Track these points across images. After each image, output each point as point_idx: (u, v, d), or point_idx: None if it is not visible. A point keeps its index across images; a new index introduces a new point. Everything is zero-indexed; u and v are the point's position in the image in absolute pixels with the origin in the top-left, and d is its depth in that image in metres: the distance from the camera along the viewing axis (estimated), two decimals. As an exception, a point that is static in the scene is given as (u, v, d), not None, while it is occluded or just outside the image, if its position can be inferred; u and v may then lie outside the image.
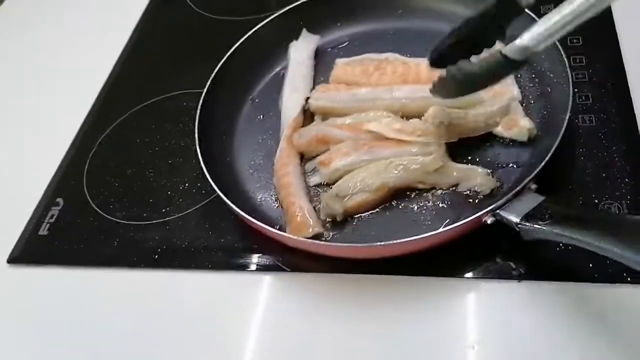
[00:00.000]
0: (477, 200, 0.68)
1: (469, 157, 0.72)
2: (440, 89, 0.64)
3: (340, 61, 0.85)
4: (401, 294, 0.65)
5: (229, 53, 0.85)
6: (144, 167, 0.84)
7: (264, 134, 0.82)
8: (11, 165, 0.92)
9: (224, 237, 0.73)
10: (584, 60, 0.80)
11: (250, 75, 0.88)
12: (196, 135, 0.75)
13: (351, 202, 0.68)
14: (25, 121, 1.00)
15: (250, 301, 0.68)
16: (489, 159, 0.71)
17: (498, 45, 0.60)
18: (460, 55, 0.62)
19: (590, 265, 0.60)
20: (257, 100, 0.87)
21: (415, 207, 0.69)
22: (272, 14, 0.90)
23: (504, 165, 0.70)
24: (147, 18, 1.12)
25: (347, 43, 0.91)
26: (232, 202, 0.68)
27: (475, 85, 0.63)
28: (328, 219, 0.69)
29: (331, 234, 0.69)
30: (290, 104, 0.81)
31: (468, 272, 0.64)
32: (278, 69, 0.90)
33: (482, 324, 0.60)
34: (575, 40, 0.82)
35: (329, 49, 0.91)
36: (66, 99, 1.00)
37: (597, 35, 0.82)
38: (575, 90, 0.75)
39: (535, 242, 0.57)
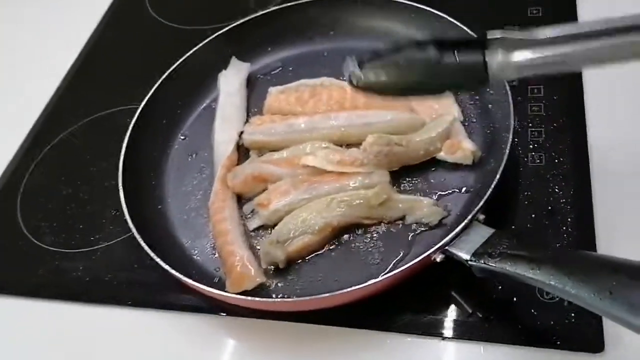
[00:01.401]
0: (425, 232, 0.64)
1: (413, 186, 0.69)
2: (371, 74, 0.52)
3: (273, 89, 0.80)
4: (337, 347, 0.61)
5: (154, 87, 0.79)
6: (80, 189, 0.81)
7: (198, 173, 0.77)
8: None
9: (149, 272, 0.68)
10: (541, 91, 0.75)
11: (179, 111, 0.83)
12: (120, 185, 0.69)
13: (293, 246, 0.64)
14: None
15: (170, 344, 0.64)
16: (434, 186, 0.68)
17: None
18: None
19: (520, 327, 0.58)
20: (187, 136, 0.82)
21: (362, 245, 0.65)
22: (233, 23, 0.86)
23: (451, 192, 0.67)
24: (104, 23, 1.07)
25: (280, 69, 0.87)
26: (165, 259, 0.62)
27: (420, 83, 0.52)
28: (270, 267, 0.64)
29: (274, 282, 0.64)
30: (223, 139, 0.76)
31: (401, 323, 0.61)
32: (208, 101, 0.85)
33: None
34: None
35: (261, 76, 0.86)
36: (12, 110, 0.96)
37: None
38: (530, 124, 0.72)
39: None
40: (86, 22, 1.07)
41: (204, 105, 0.85)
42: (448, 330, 0.59)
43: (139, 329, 0.66)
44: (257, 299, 0.59)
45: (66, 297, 0.70)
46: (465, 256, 0.54)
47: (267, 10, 0.87)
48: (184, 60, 0.83)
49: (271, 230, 0.67)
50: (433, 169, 0.70)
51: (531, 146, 0.70)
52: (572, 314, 0.57)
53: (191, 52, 0.83)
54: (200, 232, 0.70)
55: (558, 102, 0.74)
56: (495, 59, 0.47)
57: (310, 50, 0.87)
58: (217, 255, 0.68)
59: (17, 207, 0.81)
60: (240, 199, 0.72)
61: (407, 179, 0.69)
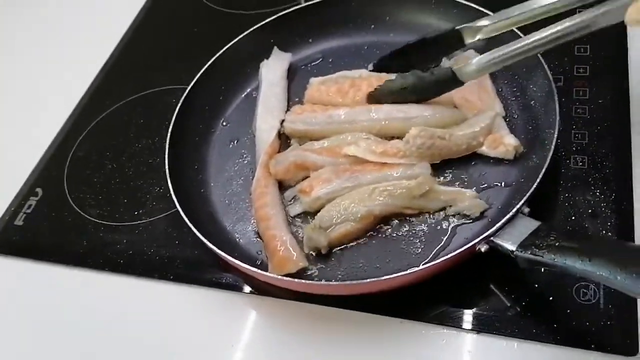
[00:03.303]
0: (466, 224, 0.65)
1: (455, 179, 0.69)
2: (381, 93, 0.73)
3: (314, 80, 0.81)
4: (369, 334, 0.62)
5: (197, 75, 0.81)
6: (124, 165, 0.83)
7: (239, 159, 0.78)
8: None
9: (190, 249, 0.71)
10: (587, 94, 0.75)
11: (221, 98, 0.84)
12: (167, 170, 0.70)
13: (335, 233, 0.65)
14: (14, 108, 0.99)
15: (209, 319, 0.66)
16: (475, 180, 0.69)
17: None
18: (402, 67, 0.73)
19: (555, 326, 0.58)
20: (229, 123, 0.83)
21: (403, 234, 0.66)
22: (278, 10, 0.87)
23: (492, 185, 0.68)
24: (150, 7, 1.09)
25: (320, 60, 0.88)
26: (208, 238, 0.64)
27: (418, 94, 0.72)
28: (312, 252, 0.65)
29: (316, 267, 0.65)
30: (265, 127, 0.77)
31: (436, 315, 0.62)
32: (249, 89, 0.86)
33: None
34: (581, 70, 0.77)
35: (302, 67, 0.87)
36: (59, 87, 0.98)
37: (605, 68, 0.77)
38: (573, 126, 0.72)
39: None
40: (134, 1, 1.10)
41: (245, 93, 0.86)
42: (483, 325, 0.59)
43: (176, 303, 0.68)
44: (303, 280, 0.60)
45: (109, 268, 0.72)
46: (511, 247, 0.55)
47: (310, 3, 0.88)
48: (227, 49, 0.84)
49: (312, 216, 0.68)
50: (473, 163, 0.70)
51: (574, 148, 0.70)
52: (607, 316, 0.57)
53: (234, 40, 0.85)
54: (243, 216, 0.72)
55: (603, 106, 0.73)
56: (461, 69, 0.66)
57: (351, 43, 0.88)
58: (258, 239, 0.69)
59: (64, 179, 0.84)
60: (282, 186, 0.73)
61: (448, 172, 0.70)
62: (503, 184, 0.68)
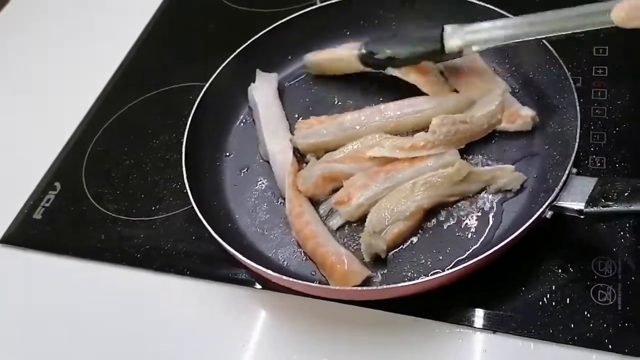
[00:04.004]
0: (511, 199, 0.66)
1: (483, 159, 0.70)
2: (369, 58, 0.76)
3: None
4: (386, 333, 0.62)
5: (192, 113, 0.77)
6: (142, 160, 0.84)
7: (256, 186, 0.75)
8: (17, 145, 0.93)
9: (206, 245, 0.71)
10: (605, 94, 0.75)
11: (217, 130, 0.81)
12: (201, 216, 0.66)
13: (390, 235, 0.64)
14: (34, 103, 0.99)
15: (224, 313, 0.67)
16: (501, 156, 0.70)
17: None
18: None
19: (572, 326, 0.59)
20: (232, 153, 0.80)
21: (453, 222, 0.66)
22: (292, 8, 0.89)
23: (520, 158, 0.70)
24: (168, 4, 1.08)
25: (304, 74, 0.87)
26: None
27: (402, 62, 0.74)
28: (371, 260, 0.64)
29: (379, 273, 0.63)
30: (277, 148, 0.75)
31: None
32: (242, 116, 0.84)
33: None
34: (600, 71, 0.77)
35: (288, 84, 0.86)
36: (77, 83, 0.99)
37: (624, 68, 0.77)
38: (591, 126, 0.72)
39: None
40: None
41: (239, 120, 0.83)
42: (499, 324, 0.60)
43: (192, 298, 0.69)
44: (373, 288, 0.60)
45: (126, 262, 0.73)
46: (578, 206, 0.56)
47: (280, 22, 0.86)
48: (213, 81, 0.80)
49: (354, 227, 0.67)
50: (494, 141, 0.72)
51: (592, 149, 0.70)
52: (625, 318, 0.58)
53: (217, 72, 0.82)
54: (281, 241, 0.69)
55: (622, 107, 0.73)
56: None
57: (330, 52, 0.88)
58: (307, 260, 0.66)
59: (82, 174, 0.84)
60: (312, 202, 0.71)
61: (474, 155, 0.71)
62: (530, 154, 0.69)
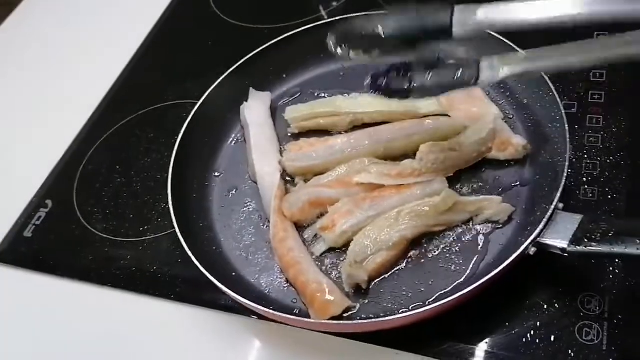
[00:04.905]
0: (497, 230, 0.65)
1: (472, 188, 0.69)
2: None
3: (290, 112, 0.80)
4: None
5: (181, 132, 0.77)
6: (133, 179, 0.84)
7: (243, 208, 0.75)
8: (10, 162, 0.94)
9: (191, 269, 0.65)
10: (601, 121, 0.73)
11: (207, 150, 0.81)
12: (182, 239, 0.66)
13: (372, 265, 0.63)
14: (27, 120, 0.99)
15: (210, 341, 0.67)
16: (491, 185, 0.69)
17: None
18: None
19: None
20: (222, 173, 0.79)
21: (437, 252, 0.65)
22: (292, 24, 0.89)
23: (509, 188, 0.68)
24: (165, 21, 1.09)
25: (299, 93, 0.86)
26: (243, 296, 0.60)
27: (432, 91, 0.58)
28: (351, 289, 0.63)
29: (358, 303, 0.63)
30: (266, 170, 0.74)
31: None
32: (233, 135, 0.83)
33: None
34: (596, 96, 0.75)
35: (281, 104, 0.85)
36: (71, 101, 0.99)
37: (622, 94, 0.75)
38: (584, 155, 0.71)
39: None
40: (149, 14, 1.10)
41: (230, 139, 0.83)
42: None
43: (176, 322, 0.69)
44: (352, 322, 0.59)
45: (112, 284, 0.73)
46: (561, 244, 0.55)
47: (275, 41, 0.86)
48: (205, 99, 0.80)
49: (337, 253, 0.67)
50: (483, 169, 0.71)
51: (584, 179, 0.69)
52: (610, 358, 0.57)
53: (210, 89, 0.81)
54: (265, 266, 0.68)
55: (617, 134, 0.71)
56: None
57: (326, 71, 0.87)
58: (289, 287, 0.66)
59: (73, 192, 0.84)
60: (297, 227, 0.70)
61: (463, 183, 0.70)
62: (519, 184, 0.68)
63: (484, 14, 0.52)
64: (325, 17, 0.90)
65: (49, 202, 0.84)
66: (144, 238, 0.77)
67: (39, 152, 0.92)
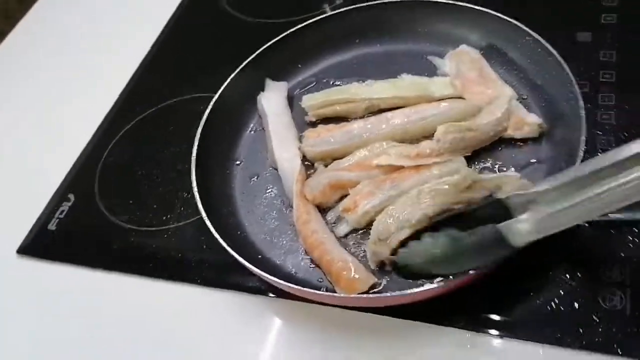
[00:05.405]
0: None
1: (489, 167, 0.71)
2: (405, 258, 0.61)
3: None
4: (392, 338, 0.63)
5: (202, 122, 0.78)
6: (153, 171, 0.86)
7: (265, 194, 0.77)
8: (32, 157, 0.95)
9: (218, 253, 0.68)
10: (613, 99, 0.74)
11: (227, 139, 0.82)
12: (209, 224, 0.67)
13: (395, 242, 0.64)
14: (47, 115, 1.01)
15: (235, 321, 0.68)
16: (507, 163, 0.71)
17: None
18: None
19: (580, 331, 0.59)
20: (242, 162, 0.81)
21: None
22: (301, 18, 0.90)
23: (526, 165, 0.70)
24: (178, 17, 1.11)
25: (314, 82, 0.88)
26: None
27: (452, 262, 0.58)
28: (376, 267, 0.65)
29: (384, 280, 0.64)
30: (286, 156, 0.76)
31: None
32: (252, 125, 0.85)
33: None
34: (607, 75, 0.77)
35: (297, 93, 0.87)
36: (89, 96, 1.01)
37: (632, 73, 0.77)
38: (598, 132, 0.71)
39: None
40: (161, 13, 1.12)
41: (249, 129, 0.85)
42: (507, 330, 0.60)
43: (204, 306, 0.70)
44: (377, 295, 0.61)
45: (138, 272, 0.74)
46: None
47: (290, 31, 0.88)
48: (223, 90, 0.82)
49: (359, 232, 0.69)
50: (500, 148, 0.72)
51: (599, 154, 0.67)
52: (635, 323, 0.58)
53: (227, 81, 0.83)
54: (289, 248, 0.70)
55: (629, 112, 0.73)
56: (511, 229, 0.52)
57: (340, 59, 0.89)
58: (314, 267, 0.67)
59: (94, 185, 0.86)
60: (319, 210, 0.72)
61: (481, 162, 0.71)
62: (536, 161, 0.69)
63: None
64: (328, 10, 0.92)
65: (71, 196, 0.86)
66: (168, 226, 0.78)
67: (60, 147, 0.94)
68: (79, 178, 0.88)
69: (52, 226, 0.83)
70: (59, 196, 0.86)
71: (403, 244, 0.62)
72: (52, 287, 0.77)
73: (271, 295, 0.68)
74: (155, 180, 0.84)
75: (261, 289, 0.69)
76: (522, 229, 0.52)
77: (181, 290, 0.72)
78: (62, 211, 0.84)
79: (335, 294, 0.61)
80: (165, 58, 1.04)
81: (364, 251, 0.67)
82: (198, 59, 1.02)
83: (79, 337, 0.72)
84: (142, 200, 0.82)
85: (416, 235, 0.62)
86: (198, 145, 0.76)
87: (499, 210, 0.55)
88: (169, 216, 0.79)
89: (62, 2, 1.23)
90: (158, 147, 0.88)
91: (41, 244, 0.82)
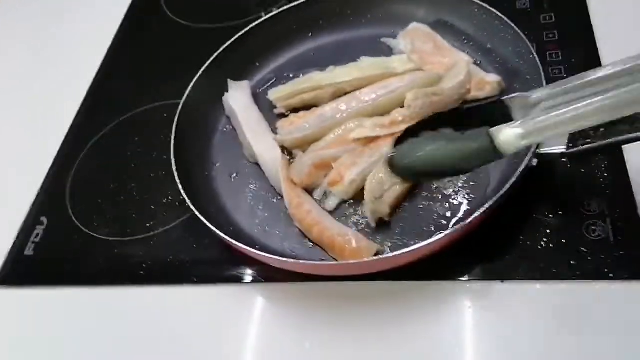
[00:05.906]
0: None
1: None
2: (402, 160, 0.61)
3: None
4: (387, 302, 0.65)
5: (173, 131, 0.77)
6: (126, 182, 0.84)
7: (249, 187, 0.77)
8: None
9: (208, 251, 0.72)
10: (560, 55, 0.80)
11: (199, 143, 0.82)
12: (203, 219, 0.67)
13: (389, 199, 0.67)
14: (5, 139, 0.98)
15: (240, 313, 0.68)
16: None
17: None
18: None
19: (572, 263, 0.62)
20: (218, 162, 0.81)
21: (449, 188, 0.70)
22: (245, 22, 0.92)
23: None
24: (124, 29, 1.10)
25: (274, 79, 0.89)
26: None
27: (451, 162, 0.57)
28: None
29: (386, 246, 0.66)
30: (264, 147, 0.77)
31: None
32: (220, 127, 0.85)
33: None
34: (551, 35, 0.83)
35: (259, 90, 0.88)
36: (46, 115, 0.99)
37: (572, 30, 0.83)
38: None
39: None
40: (109, 25, 1.11)
41: (218, 131, 0.85)
42: (506, 274, 0.63)
43: (204, 304, 0.70)
44: (385, 255, 0.62)
45: (129, 281, 0.73)
46: (560, 150, 0.60)
47: (243, 32, 0.89)
48: (186, 98, 0.82)
49: (348, 204, 0.71)
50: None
51: None
52: (620, 248, 0.61)
53: (189, 88, 0.82)
54: (285, 234, 0.71)
55: (576, 64, 0.78)
56: (502, 132, 0.52)
57: (296, 54, 0.91)
58: (314, 246, 0.68)
59: (67, 204, 0.84)
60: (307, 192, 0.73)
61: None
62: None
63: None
64: (264, 15, 0.93)
65: (44, 219, 0.83)
66: (153, 233, 0.77)
67: (24, 170, 0.91)
68: (50, 199, 0.86)
69: (28, 251, 0.80)
70: (32, 220, 0.84)
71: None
72: (40, 313, 0.75)
73: (269, 282, 0.69)
74: (130, 191, 0.83)
75: (259, 278, 0.69)
76: (512, 133, 0.51)
77: (178, 292, 0.71)
78: (37, 234, 0.82)
79: (350, 262, 0.62)
80: (120, 71, 1.03)
81: (356, 222, 0.69)
82: (151, 69, 1.01)
83: (79, 354, 0.70)
84: (120, 212, 0.81)
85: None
86: (174, 152, 0.75)
87: (500, 111, 0.56)
88: (152, 223, 0.78)
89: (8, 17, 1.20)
90: (127, 157, 0.87)
91: (19, 271, 0.79)
